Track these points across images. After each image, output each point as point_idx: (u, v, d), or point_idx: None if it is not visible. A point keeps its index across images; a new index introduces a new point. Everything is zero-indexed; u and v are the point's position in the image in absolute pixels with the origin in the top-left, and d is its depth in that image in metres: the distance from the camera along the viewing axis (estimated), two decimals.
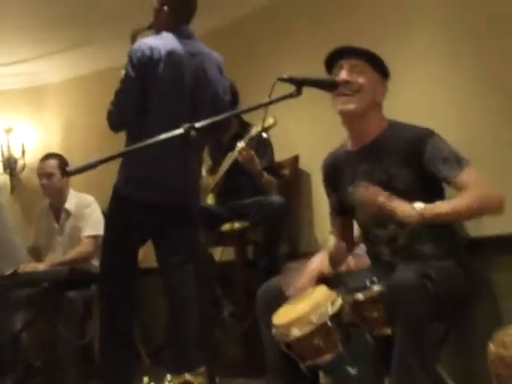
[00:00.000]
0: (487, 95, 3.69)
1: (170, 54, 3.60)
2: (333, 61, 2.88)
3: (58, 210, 5.04)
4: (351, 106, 2.78)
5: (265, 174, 4.51)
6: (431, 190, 2.71)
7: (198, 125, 2.12)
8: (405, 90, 4.00)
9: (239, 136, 4.48)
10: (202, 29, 5.12)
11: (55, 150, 6.59)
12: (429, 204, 2.55)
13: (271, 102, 2.26)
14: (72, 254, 4.80)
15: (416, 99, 4.07)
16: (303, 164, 4.91)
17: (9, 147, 6.82)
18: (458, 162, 2.64)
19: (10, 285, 4.47)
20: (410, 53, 4.17)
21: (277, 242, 4.45)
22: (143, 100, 3.59)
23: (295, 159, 4.90)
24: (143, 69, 3.55)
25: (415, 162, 2.69)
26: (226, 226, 4.61)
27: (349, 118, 2.83)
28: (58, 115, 6.94)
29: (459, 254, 2.73)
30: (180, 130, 2.10)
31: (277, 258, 4.40)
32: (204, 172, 4.78)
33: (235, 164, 4.50)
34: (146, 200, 3.57)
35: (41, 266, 4.70)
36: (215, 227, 4.63)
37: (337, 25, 4.74)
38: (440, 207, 2.56)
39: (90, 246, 4.81)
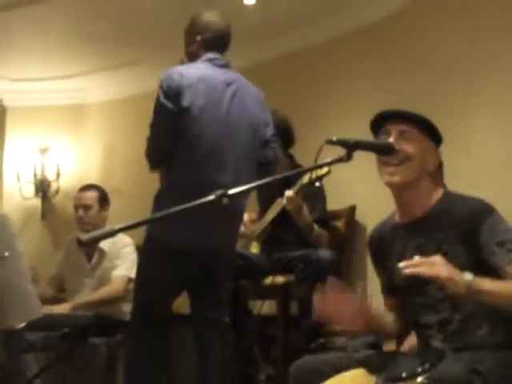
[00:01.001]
0: None
1: (203, 80, 3.65)
2: (379, 124, 2.88)
3: (91, 248, 4.98)
4: (398, 178, 2.74)
5: (315, 226, 4.55)
6: (488, 272, 2.72)
7: (231, 191, 2.16)
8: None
9: (291, 181, 4.52)
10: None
11: (93, 174, 6.80)
12: (479, 278, 2.57)
13: (316, 167, 2.31)
14: (100, 293, 4.80)
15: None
16: (360, 215, 4.95)
17: (43, 168, 6.93)
18: None
19: (27, 328, 4.47)
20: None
21: None
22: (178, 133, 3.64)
23: (351, 210, 4.94)
24: (175, 96, 3.59)
25: (470, 241, 2.68)
26: (269, 279, 4.63)
27: (396, 190, 2.86)
28: (99, 137, 7.08)
29: None
30: (211, 197, 2.13)
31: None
32: (248, 218, 4.86)
33: (283, 212, 4.54)
34: (182, 246, 3.61)
35: (61, 309, 4.69)
36: (257, 279, 4.68)
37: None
38: (488, 285, 2.57)
39: (122, 285, 4.79)
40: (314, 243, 4.58)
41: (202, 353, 3.78)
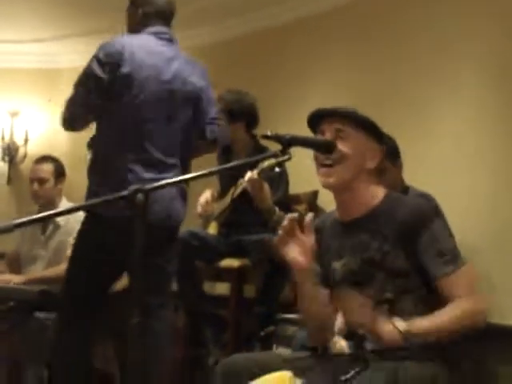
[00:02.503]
0: None
1: (145, 52, 3.55)
2: (316, 123, 2.75)
3: (45, 220, 4.80)
4: (332, 180, 2.64)
5: (277, 209, 4.47)
6: (426, 280, 2.62)
7: (148, 186, 2.07)
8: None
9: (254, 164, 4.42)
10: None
11: (62, 141, 6.68)
12: (412, 322, 2.47)
13: (254, 161, 2.20)
14: (53, 271, 4.68)
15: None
16: (322, 201, 4.86)
17: (12, 133, 6.83)
18: (454, 259, 2.54)
19: None
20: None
21: (277, 288, 4.40)
22: (109, 104, 3.54)
23: (314, 195, 4.85)
24: (111, 66, 3.48)
25: (409, 245, 2.59)
26: (225, 262, 4.58)
27: (334, 191, 2.76)
28: None
29: (447, 350, 2.65)
30: (125, 192, 2.04)
31: (273, 305, 4.36)
32: (209, 195, 4.75)
33: (244, 194, 4.44)
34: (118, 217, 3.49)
35: (16, 280, 4.62)
36: (212, 261, 4.60)
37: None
38: (423, 326, 2.48)
39: None
40: (275, 227, 4.49)
41: (139, 340, 3.67)
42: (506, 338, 3.70)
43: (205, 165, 3.56)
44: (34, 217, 1.97)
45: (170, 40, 3.71)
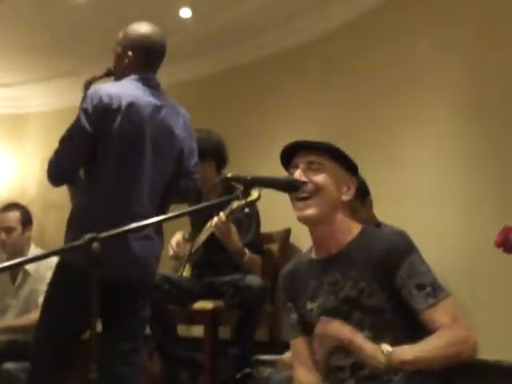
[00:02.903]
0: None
1: (132, 104, 3.42)
2: (288, 158, 2.67)
3: (15, 269, 4.72)
4: (309, 212, 2.56)
5: (247, 251, 4.40)
6: (406, 314, 2.56)
7: (103, 234, 2.00)
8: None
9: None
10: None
11: (32, 186, 6.61)
12: (397, 348, 2.40)
13: (216, 204, 2.14)
14: (24, 319, 4.56)
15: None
16: (295, 238, 4.82)
17: None
18: (435, 291, 2.46)
19: None
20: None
21: (251, 330, 4.32)
22: (94, 156, 3.42)
23: (286, 233, 4.80)
24: (99, 119, 3.37)
25: (387, 280, 2.53)
26: (198, 304, 4.49)
27: (309, 225, 2.70)
28: (39, 148, 6.81)
29: None
30: (79, 242, 1.96)
31: (249, 347, 4.28)
32: (180, 237, 4.69)
33: (214, 236, 4.38)
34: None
35: None
36: (186, 304, 4.50)
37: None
38: (409, 353, 2.41)
39: None
40: (247, 269, 4.43)
41: None
42: (481, 374, 3.63)
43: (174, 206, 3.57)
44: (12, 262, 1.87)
45: (157, 87, 3.61)
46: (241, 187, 2.35)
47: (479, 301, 3.87)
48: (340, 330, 2.45)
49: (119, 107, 3.40)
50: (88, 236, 1.98)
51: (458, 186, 4.12)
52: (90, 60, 5.69)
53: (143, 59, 3.57)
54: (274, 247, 4.78)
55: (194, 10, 5.14)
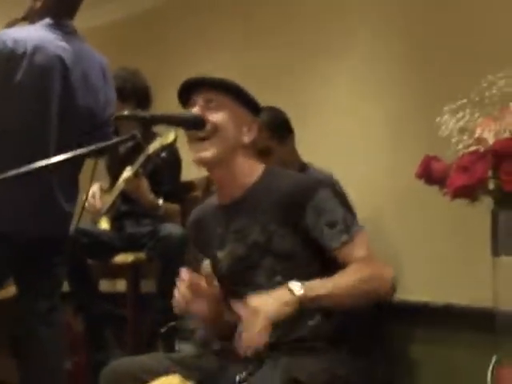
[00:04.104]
0: None
1: (39, 48, 3.21)
2: (187, 96, 2.50)
3: None
4: (207, 154, 2.39)
5: (160, 202, 4.21)
6: (319, 254, 2.38)
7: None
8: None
9: (141, 147, 4.11)
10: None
11: None
12: (307, 283, 2.22)
13: (106, 148, 1.93)
14: None
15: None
16: None
17: None
18: (347, 227, 2.33)
19: None
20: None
21: (173, 281, 4.14)
22: None
23: (208, 180, 4.59)
24: (3, 65, 3.18)
25: (295, 221, 2.35)
26: (120, 258, 4.30)
27: (208, 168, 2.49)
28: None
29: (355, 336, 2.42)
30: None
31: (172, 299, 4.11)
32: (98, 188, 4.45)
33: None
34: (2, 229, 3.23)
35: None
36: (106, 257, 4.32)
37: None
38: (322, 287, 2.23)
39: None
40: (165, 219, 4.24)
41: (32, 348, 3.41)
42: (413, 315, 3.52)
43: None
44: None
45: (71, 33, 3.38)
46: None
47: (408, 240, 3.74)
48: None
49: (24, 52, 3.18)
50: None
51: (383, 120, 3.98)
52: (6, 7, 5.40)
53: (57, 2, 3.36)
54: (196, 194, 4.58)
55: None
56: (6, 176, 1.97)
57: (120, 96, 4.14)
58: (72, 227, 3.57)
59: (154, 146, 3.98)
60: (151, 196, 4.17)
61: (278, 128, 3.62)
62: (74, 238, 3.98)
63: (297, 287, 2.14)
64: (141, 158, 4.00)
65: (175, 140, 3.88)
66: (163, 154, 4.10)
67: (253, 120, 2.49)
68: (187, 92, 2.47)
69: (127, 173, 4.06)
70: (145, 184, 4.11)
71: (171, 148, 4.15)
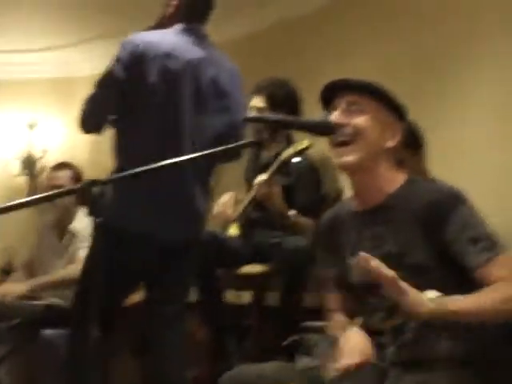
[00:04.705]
0: None
1: (170, 53, 3.22)
2: (329, 99, 2.42)
3: (63, 229, 4.66)
4: (350, 158, 2.31)
5: (292, 214, 4.13)
6: (454, 272, 2.27)
7: (105, 178, 1.83)
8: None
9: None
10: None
11: (81, 151, 6.50)
12: (447, 297, 2.13)
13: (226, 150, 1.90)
14: (60, 273, 4.40)
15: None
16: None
17: (30, 145, 6.64)
18: (491, 245, 2.19)
19: None
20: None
21: (297, 295, 4.08)
22: (127, 107, 3.25)
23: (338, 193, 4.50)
24: (134, 67, 3.18)
25: (435, 234, 2.24)
26: (246, 269, 4.25)
27: (350, 173, 2.41)
28: None
29: (485, 357, 2.29)
30: (77, 186, 1.83)
31: (296, 313, 4.04)
32: (231, 197, 4.43)
33: None
34: (141, 232, 3.23)
35: (17, 289, 4.27)
36: (233, 267, 4.28)
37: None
38: (460, 303, 2.12)
39: None
40: (296, 232, 4.16)
41: (157, 352, 3.42)
42: None
43: None
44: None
45: (203, 38, 3.39)
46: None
47: None
48: (383, 267, 2.16)
49: (155, 56, 3.20)
50: (87, 180, 1.82)
51: None
52: (138, 18, 5.50)
53: (188, 8, 3.37)
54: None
55: None
56: (136, 172, 1.97)
57: (272, 103, 4.11)
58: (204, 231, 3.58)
59: (287, 152, 3.97)
60: (283, 205, 4.10)
61: (411, 137, 3.52)
62: (205, 242, 4.00)
63: (432, 295, 2.08)
64: (275, 164, 3.98)
65: (310, 146, 3.84)
66: (296, 159, 4.05)
67: (397, 125, 2.40)
68: (331, 94, 2.41)
69: (261, 178, 4.03)
70: (277, 191, 4.07)
71: (308, 160, 4.11)
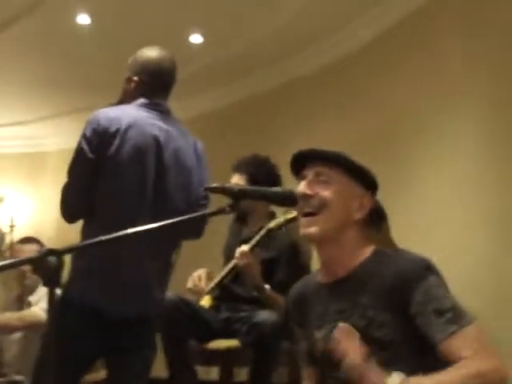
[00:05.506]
0: None
1: (132, 126, 3.20)
2: (298, 169, 2.44)
3: (23, 302, 4.72)
4: (314, 229, 2.31)
5: (266, 288, 4.09)
6: (421, 346, 2.24)
7: (63, 248, 1.83)
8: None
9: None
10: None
11: (49, 226, 6.45)
12: (412, 378, 2.09)
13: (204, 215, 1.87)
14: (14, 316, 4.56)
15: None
16: None
17: None
18: (457, 317, 2.15)
19: None
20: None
21: (268, 371, 4.00)
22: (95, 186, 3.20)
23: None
24: (99, 144, 3.15)
25: (400, 308, 2.21)
26: (213, 344, 4.18)
27: (316, 244, 2.40)
28: (57, 187, 6.61)
29: None
30: (33, 255, 1.83)
31: None
32: (205, 272, 4.35)
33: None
34: (96, 307, 3.15)
35: None
36: (204, 340, 4.20)
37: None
38: (428, 381, 2.09)
39: (41, 316, 4.42)
40: (265, 305, 4.12)
41: None
42: None
43: None
44: None
45: (164, 112, 3.38)
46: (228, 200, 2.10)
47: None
48: (352, 351, 2.14)
49: (118, 129, 3.18)
50: (44, 249, 1.82)
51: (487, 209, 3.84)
52: (105, 93, 5.53)
53: (150, 84, 3.36)
54: None
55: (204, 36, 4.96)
56: (91, 242, 2.04)
57: (252, 180, 4.15)
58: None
59: (277, 220, 4.03)
60: (259, 278, 4.06)
61: (374, 215, 3.52)
62: (175, 305, 3.94)
63: (395, 380, 2.03)
64: (260, 233, 4.01)
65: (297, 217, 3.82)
66: (282, 232, 4.05)
67: (365, 195, 2.39)
68: (302, 163, 2.41)
69: (243, 248, 4.02)
70: (256, 264, 4.04)
71: (289, 233, 4.10)
